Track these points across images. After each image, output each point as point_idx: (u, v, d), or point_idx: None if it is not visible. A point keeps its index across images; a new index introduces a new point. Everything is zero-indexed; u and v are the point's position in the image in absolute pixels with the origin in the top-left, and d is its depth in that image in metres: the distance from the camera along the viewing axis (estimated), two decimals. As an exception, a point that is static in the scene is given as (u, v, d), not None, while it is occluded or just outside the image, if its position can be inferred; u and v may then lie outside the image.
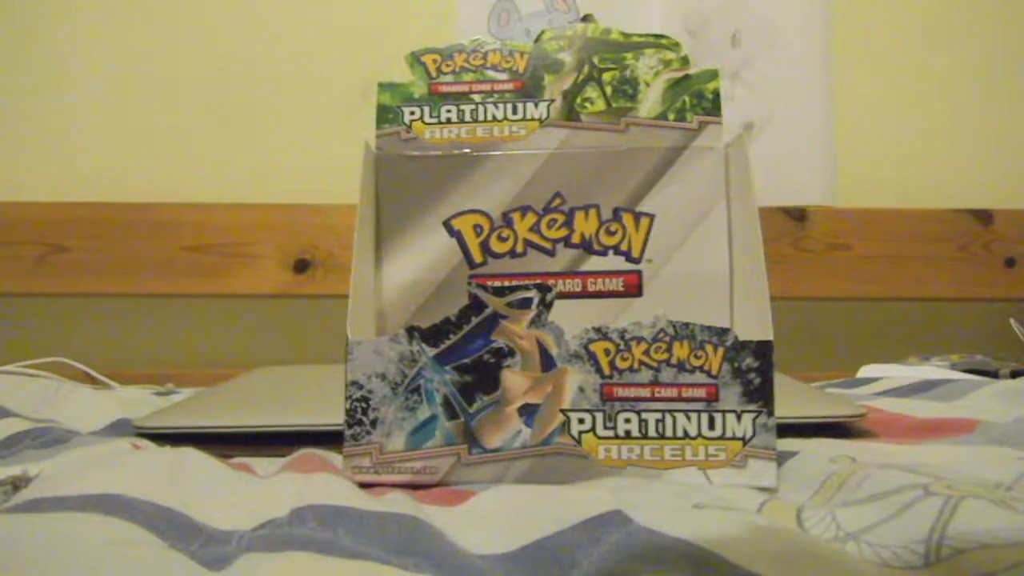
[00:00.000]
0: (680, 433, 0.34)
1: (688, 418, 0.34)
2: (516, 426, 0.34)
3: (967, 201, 0.91)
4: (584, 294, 0.40)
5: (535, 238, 0.40)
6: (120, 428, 0.47)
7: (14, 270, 0.83)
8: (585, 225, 0.40)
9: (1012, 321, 0.84)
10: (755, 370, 0.34)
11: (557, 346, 0.34)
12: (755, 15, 0.87)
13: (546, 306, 0.35)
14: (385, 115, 0.41)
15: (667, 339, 0.34)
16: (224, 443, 0.41)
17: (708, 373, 0.34)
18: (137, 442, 0.41)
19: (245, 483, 0.32)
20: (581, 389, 0.34)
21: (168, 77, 0.90)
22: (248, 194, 0.88)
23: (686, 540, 0.24)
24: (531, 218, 0.40)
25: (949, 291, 0.89)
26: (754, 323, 0.36)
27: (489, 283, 0.35)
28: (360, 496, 0.31)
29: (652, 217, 0.40)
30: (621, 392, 0.34)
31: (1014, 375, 0.69)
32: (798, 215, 0.88)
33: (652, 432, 0.34)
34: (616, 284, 0.40)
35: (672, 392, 0.34)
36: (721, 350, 0.34)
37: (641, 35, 0.41)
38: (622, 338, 0.34)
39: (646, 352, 0.34)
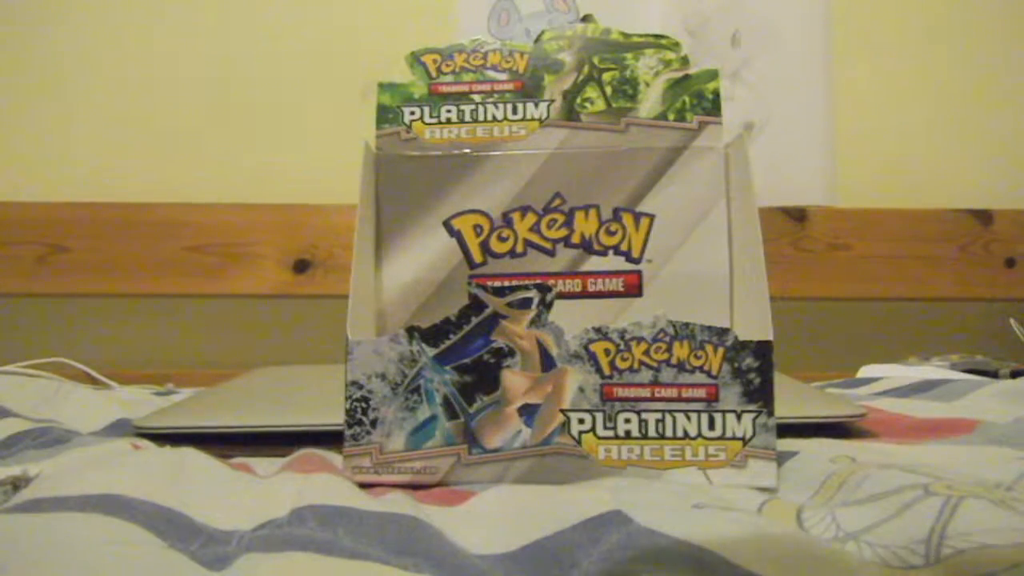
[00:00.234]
0: (680, 433, 0.34)
1: (688, 418, 0.34)
2: (516, 426, 0.34)
3: (967, 201, 0.91)
4: (584, 294, 0.40)
5: (535, 238, 0.40)
6: (120, 428, 0.47)
7: (14, 270, 0.83)
8: (585, 225, 0.40)
9: (1012, 321, 0.84)
10: (755, 370, 0.34)
11: (557, 346, 0.34)
12: (755, 15, 0.87)
13: (546, 306, 0.35)
14: (385, 115, 0.41)
15: (667, 339, 0.34)
16: (224, 443, 0.41)
17: (708, 373, 0.34)
18: (137, 442, 0.41)
19: (245, 483, 0.32)
20: (581, 389, 0.34)
21: (168, 77, 0.90)
22: (248, 194, 0.88)
23: (686, 540, 0.24)
24: (531, 218, 0.40)
25: (949, 291, 0.89)
26: (754, 323, 0.36)
27: (489, 283, 0.35)
28: (360, 496, 0.31)
29: (652, 217, 0.40)
30: (621, 392, 0.34)
31: (1014, 375, 0.69)
32: (798, 215, 0.88)
33: (652, 432, 0.34)
34: (616, 284, 0.40)
35: (672, 392, 0.34)
36: (721, 350, 0.34)
37: (641, 35, 0.41)
38: (622, 338, 0.34)
39: (646, 352, 0.34)
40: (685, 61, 0.41)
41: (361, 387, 0.35)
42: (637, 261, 0.40)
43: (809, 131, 0.86)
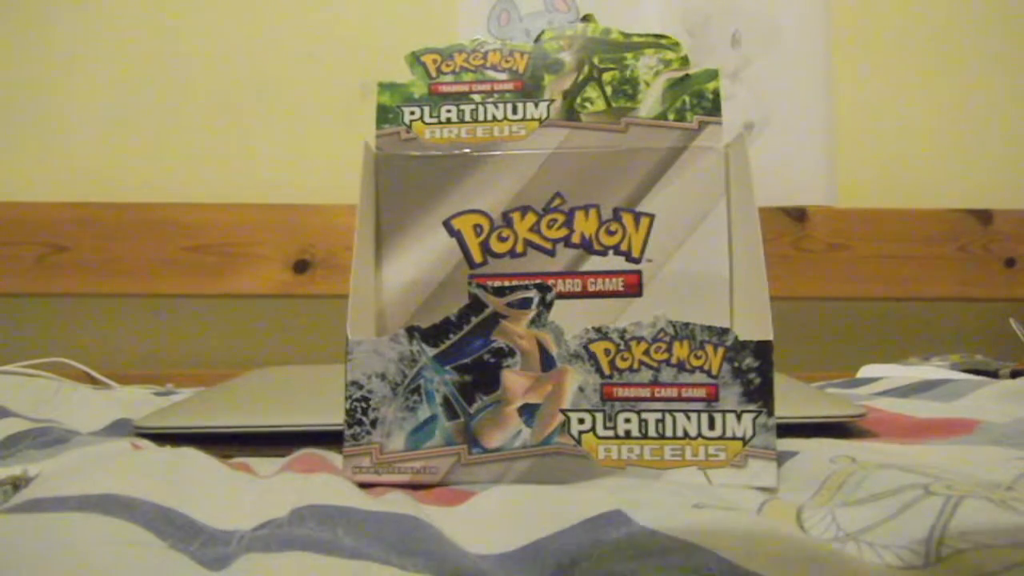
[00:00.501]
0: (680, 433, 0.34)
1: (688, 418, 0.34)
2: (516, 426, 0.34)
3: (967, 201, 0.91)
4: (584, 294, 0.40)
5: (535, 238, 0.40)
6: (120, 428, 0.47)
7: (14, 270, 0.83)
8: (585, 225, 0.40)
9: (1012, 321, 0.83)
10: (755, 370, 0.34)
11: (557, 346, 0.34)
12: (755, 15, 0.87)
13: (546, 306, 0.35)
14: (385, 115, 0.41)
15: (667, 339, 0.34)
16: (224, 443, 0.41)
17: (708, 373, 0.34)
18: (137, 442, 0.41)
19: (245, 483, 0.32)
20: (581, 389, 0.34)
21: (168, 77, 0.90)
22: (248, 194, 0.88)
23: (686, 540, 0.24)
24: (531, 218, 0.40)
25: (949, 291, 0.89)
26: (754, 323, 0.36)
27: (489, 283, 0.35)
28: (360, 496, 0.31)
29: (652, 217, 0.40)
30: (621, 392, 0.34)
31: (1014, 375, 0.69)
32: (798, 215, 0.88)
33: (652, 432, 0.34)
34: (616, 284, 0.40)
35: (672, 392, 0.34)
36: (721, 350, 0.34)
37: (641, 35, 0.41)
38: (622, 338, 0.34)
39: (646, 352, 0.34)
40: (685, 61, 0.41)
41: (361, 387, 0.35)
42: (637, 261, 0.40)
43: (809, 131, 0.86)
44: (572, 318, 0.34)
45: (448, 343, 0.35)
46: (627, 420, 0.34)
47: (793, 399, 0.45)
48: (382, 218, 0.41)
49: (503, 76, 0.41)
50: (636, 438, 0.34)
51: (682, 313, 0.34)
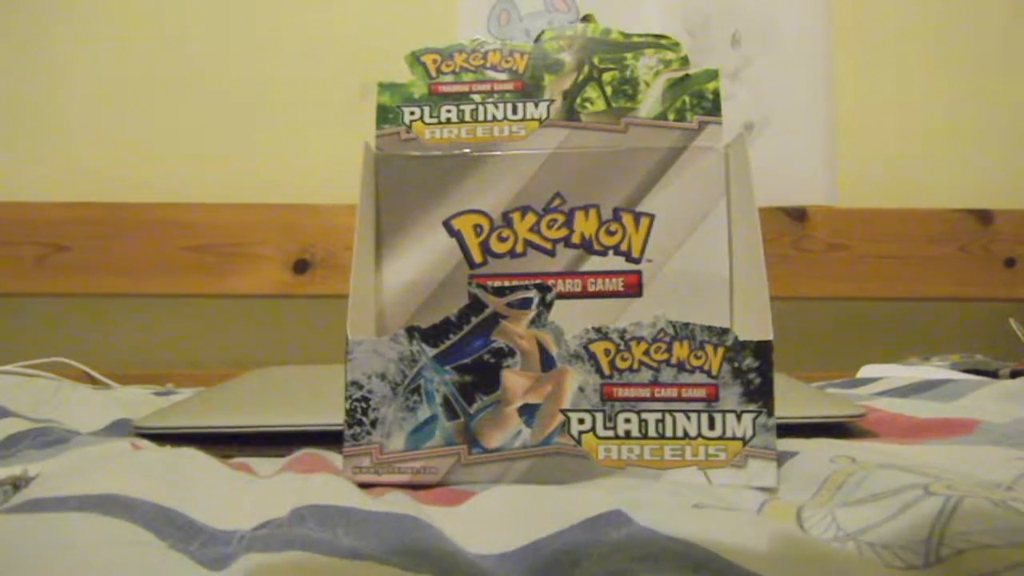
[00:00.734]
0: (680, 433, 0.34)
1: (688, 418, 0.34)
2: (516, 426, 0.34)
3: (967, 201, 0.91)
4: (584, 294, 0.40)
5: (535, 238, 0.40)
6: (120, 428, 0.47)
7: (14, 270, 0.83)
8: (585, 225, 0.40)
9: (1012, 321, 0.84)
10: (755, 370, 0.34)
11: (557, 346, 0.34)
12: (755, 15, 0.87)
13: (546, 306, 0.35)
14: (385, 115, 0.41)
15: (667, 339, 0.34)
16: (224, 443, 0.41)
17: (708, 373, 0.34)
18: (137, 442, 0.40)
19: (245, 483, 0.32)
20: (581, 389, 0.34)
21: (168, 77, 0.90)
22: (248, 194, 0.88)
23: (686, 540, 0.24)
24: (531, 218, 0.40)
25: (949, 291, 0.89)
26: (754, 323, 0.36)
27: (489, 283, 0.35)
28: (360, 496, 0.31)
29: (652, 217, 0.40)
30: (621, 392, 0.34)
31: (1014, 375, 0.69)
32: (798, 215, 0.88)
33: (652, 432, 0.34)
34: (616, 284, 0.40)
35: (672, 392, 0.34)
36: (721, 350, 0.34)
37: (641, 35, 0.41)
38: (622, 338, 0.34)
39: (646, 352, 0.34)
40: (685, 61, 0.41)
41: (361, 387, 0.35)
42: (637, 261, 0.40)
43: (809, 131, 0.86)
44: (572, 318, 0.34)
45: (448, 343, 0.35)
46: (627, 420, 0.34)
47: (793, 399, 0.45)
48: (382, 218, 0.41)
49: (503, 76, 0.41)
50: (636, 438, 0.34)
51: (682, 313, 0.34)
